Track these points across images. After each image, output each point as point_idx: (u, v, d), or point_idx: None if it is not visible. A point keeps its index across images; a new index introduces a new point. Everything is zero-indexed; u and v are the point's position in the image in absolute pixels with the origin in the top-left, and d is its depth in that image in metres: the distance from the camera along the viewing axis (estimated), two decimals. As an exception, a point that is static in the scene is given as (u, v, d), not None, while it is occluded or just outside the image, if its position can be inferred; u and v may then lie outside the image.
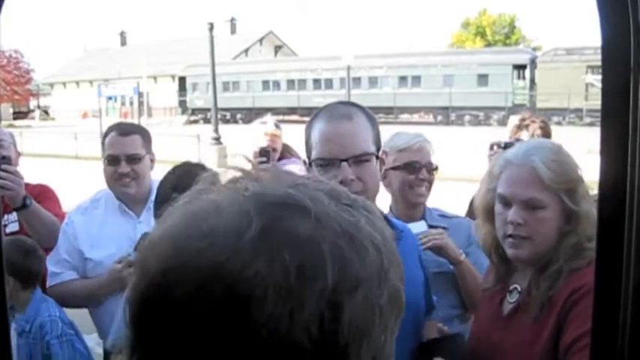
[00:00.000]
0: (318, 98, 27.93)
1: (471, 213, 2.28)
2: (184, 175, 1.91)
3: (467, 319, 2.18)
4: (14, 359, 2.02)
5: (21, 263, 2.23)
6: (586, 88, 27.86)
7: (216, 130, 15.88)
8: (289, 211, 0.53)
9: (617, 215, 0.76)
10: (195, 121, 37.52)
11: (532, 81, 31.36)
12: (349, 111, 1.56)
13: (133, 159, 2.39)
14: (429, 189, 2.30)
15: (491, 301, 1.65)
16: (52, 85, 53.42)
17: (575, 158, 1.56)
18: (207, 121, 30.74)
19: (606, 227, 0.78)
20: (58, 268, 2.38)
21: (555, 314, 1.40)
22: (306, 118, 1.98)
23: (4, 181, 2.35)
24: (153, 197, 2.22)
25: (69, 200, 2.89)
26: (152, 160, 2.50)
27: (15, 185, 2.37)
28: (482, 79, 31.02)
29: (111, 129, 2.49)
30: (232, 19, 47.91)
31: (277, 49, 49.83)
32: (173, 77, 43.31)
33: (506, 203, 1.52)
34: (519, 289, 1.56)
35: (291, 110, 33.60)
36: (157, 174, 2.38)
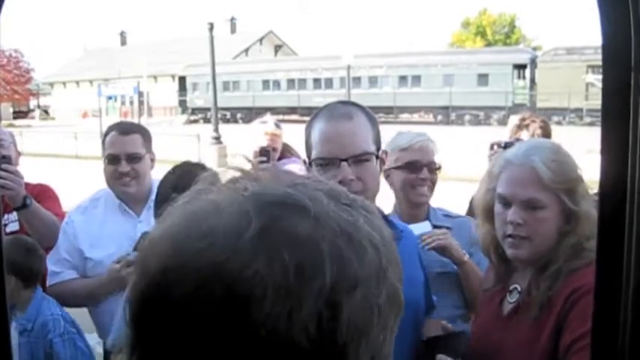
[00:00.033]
0: (318, 98, 27.91)
1: (470, 213, 2.28)
2: (184, 175, 1.91)
3: (470, 319, 2.18)
4: (16, 359, 2.02)
5: (22, 262, 2.24)
6: (586, 87, 27.85)
7: (216, 130, 15.87)
8: (288, 211, 0.53)
9: (618, 215, 0.76)
10: (196, 121, 37.53)
11: (532, 81, 31.36)
12: (349, 110, 1.56)
13: (134, 158, 2.39)
14: (431, 189, 2.29)
15: (491, 301, 1.65)
16: (52, 84, 53.43)
17: (574, 158, 1.56)
18: (207, 120, 30.75)
19: (607, 227, 0.78)
20: (57, 268, 2.38)
21: (555, 314, 1.40)
22: (306, 118, 1.98)
23: (4, 181, 2.35)
24: (153, 197, 2.22)
25: (69, 200, 2.89)
26: (152, 160, 2.50)
27: (15, 185, 2.37)
28: (483, 78, 31.01)
29: (111, 128, 2.49)
30: (232, 19, 47.94)
31: (277, 48, 49.83)
32: (173, 77, 43.32)
33: (506, 203, 1.52)
34: (519, 289, 1.56)
35: (291, 110, 33.61)
36: (157, 173, 2.38)
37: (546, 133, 2.83)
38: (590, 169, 1.48)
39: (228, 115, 36.01)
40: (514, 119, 2.96)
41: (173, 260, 0.52)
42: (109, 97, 37.83)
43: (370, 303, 0.53)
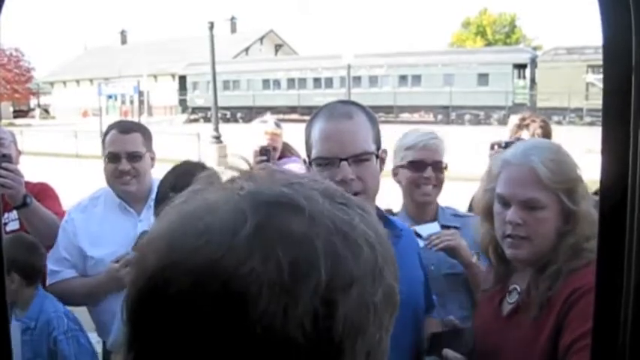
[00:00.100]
0: (319, 97, 27.88)
1: (471, 212, 2.28)
2: (183, 175, 1.92)
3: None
4: (18, 358, 2.03)
5: (25, 260, 2.24)
6: (586, 87, 27.83)
7: (216, 129, 15.87)
8: (283, 210, 0.54)
9: (619, 214, 0.76)
10: (196, 120, 37.52)
11: (532, 80, 31.32)
12: (349, 110, 1.56)
13: (134, 157, 2.39)
14: (437, 188, 2.28)
15: (491, 302, 1.64)
16: (52, 83, 53.41)
17: (574, 158, 1.55)
18: (207, 119, 30.75)
19: (607, 226, 0.79)
20: (57, 267, 2.38)
21: (554, 314, 1.40)
22: (307, 117, 1.98)
23: (4, 180, 2.35)
24: (153, 195, 2.22)
25: (69, 199, 2.89)
26: (152, 158, 2.50)
27: (15, 183, 2.37)
28: (483, 78, 30.97)
29: (111, 127, 2.49)
30: (233, 18, 47.90)
31: (278, 48, 49.82)
32: (173, 76, 43.28)
33: (505, 203, 1.52)
34: (519, 289, 1.56)
35: (292, 109, 33.58)
36: (157, 173, 2.38)
37: (546, 133, 2.83)
38: (590, 169, 1.48)
39: (229, 114, 35.98)
40: (514, 119, 2.96)
41: (170, 258, 0.52)
42: (110, 96, 37.83)
43: (366, 301, 0.54)
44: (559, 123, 25.29)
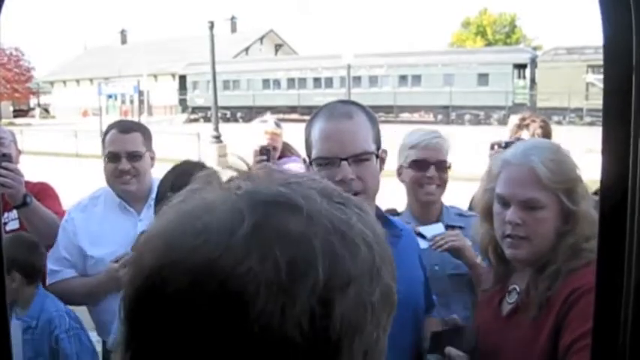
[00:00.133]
0: (319, 97, 27.88)
1: (471, 212, 2.28)
2: (183, 174, 1.92)
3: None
4: (19, 357, 2.03)
5: (26, 259, 2.25)
6: (586, 87, 27.82)
7: (216, 129, 15.87)
8: (281, 209, 0.54)
9: (619, 214, 0.76)
10: (196, 120, 37.51)
11: (532, 80, 31.31)
12: (349, 110, 1.56)
13: (134, 156, 2.39)
14: (441, 187, 2.27)
15: (491, 302, 1.64)
16: (52, 83, 53.40)
17: (574, 158, 1.55)
18: (207, 119, 30.73)
19: (607, 226, 0.79)
20: (57, 266, 2.39)
21: (554, 314, 1.40)
22: (307, 117, 1.98)
23: (4, 179, 2.35)
24: (153, 195, 2.22)
25: (69, 198, 2.89)
26: (152, 158, 2.50)
27: (15, 183, 2.37)
28: (483, 78, 30.96)
29: (111, 126, 2.49)
30: (233, 18, 47.91)
31: (278, 47, 49.81)
32: (173, 75, 43.28)
33: (505, 203, 1.52)
34: (518, 289, 1.56)
35: (292, 109, 33.57)
36: (157, 172, 2.38)
37: (546, 133, 2.83)
38: (590, 169, 1.48)
39: (229, 114, 35.98)
40: (514, 119, 2.96)
41: (167, 257, 0.52)
42: (110, 96, 37.82)
43: (363, 300, 0.54)
44: (559, 123, 25.28)
